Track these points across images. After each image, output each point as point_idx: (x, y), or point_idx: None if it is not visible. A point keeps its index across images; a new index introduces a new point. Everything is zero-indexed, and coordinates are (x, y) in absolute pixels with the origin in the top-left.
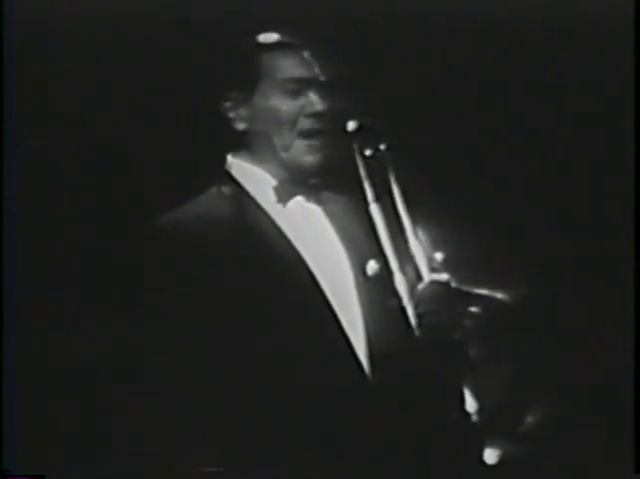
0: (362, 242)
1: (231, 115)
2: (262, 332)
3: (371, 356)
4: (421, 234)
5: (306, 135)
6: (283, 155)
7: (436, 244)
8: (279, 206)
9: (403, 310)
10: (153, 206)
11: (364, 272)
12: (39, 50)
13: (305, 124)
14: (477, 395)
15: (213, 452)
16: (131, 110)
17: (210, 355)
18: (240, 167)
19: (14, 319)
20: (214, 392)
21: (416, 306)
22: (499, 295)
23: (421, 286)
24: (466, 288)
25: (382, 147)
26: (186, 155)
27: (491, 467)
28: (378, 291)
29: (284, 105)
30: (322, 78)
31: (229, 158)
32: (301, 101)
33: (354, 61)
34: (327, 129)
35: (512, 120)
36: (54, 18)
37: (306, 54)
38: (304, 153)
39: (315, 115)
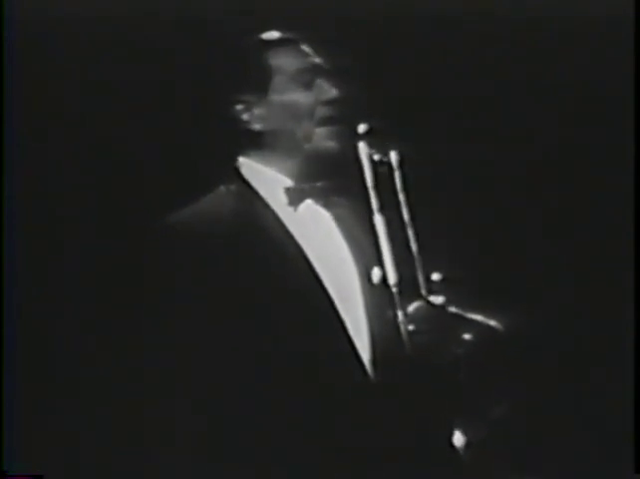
0: (369, 249)
1: (245, 117)
2: (267, 333)
3: (374, 362)
4: (423, 249)
5: (325, 123)
6: (306, 146)
7: (437, 263)
8: (289, 208)
9: (397, 327)
10: (160, 207)
11: (369, 279)
12: (39, 50)
13: (322, 112)
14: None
15: (213, 452)
16: (139, 111)
17: (213, 355)
18: (251, 167)
19: (14, 319)
20: (217, 392)
21: (408, 324)
22: (494, 323)
23: (416, 305)
24: (460, 312)
25: (391, 152)
26: (197, 158)
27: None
28: (382, 298)
29: (300, 97)
30: (329, 67)
31: (240, 159)
32: (315, 90)
33: (357, 61)
34: (343, 118)
35: (513, 121)
36: (54, 18)
37: (311, 49)
38: (325, 140)
39: (330, 102)
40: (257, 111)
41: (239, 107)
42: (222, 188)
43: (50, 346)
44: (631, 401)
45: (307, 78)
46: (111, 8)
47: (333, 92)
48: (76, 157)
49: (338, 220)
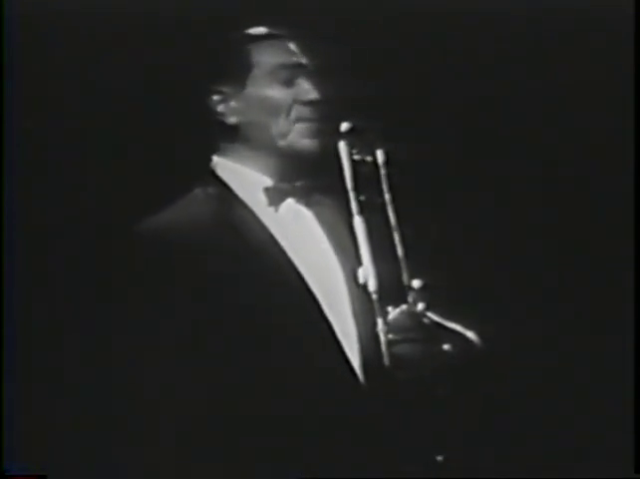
0: (353, 249)
1: (221, 109)
2: (252, 337)
3: (364, 362)
4: (407, 254)
5: (302, 121)
6: (280, 143)
7: (420, 268)
8: (269, 208)
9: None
10: (139, 207)
11: (355, 279)
12: (39, 49)
13: (300, 111)
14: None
15: (211, 454)
16: (115, 108)
17: (198, 359)
18: (227, 167)
19: (14, 319)
20: (206, 395)
21: (387, 333)
22: (471, 335)
23: (396, 313)
24: (442, 321)
25: (378, 152)
26: (173, 154)
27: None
28: (368, 300)
29: (277, 93)
30: (312, 66)
31: (215, 158)
32: (294, 89)
33: (343, 54)
34: (321, 117)
35: (504, 121)
36: (53, 15)
37: (295, 45)
38: (301, 138)
39: (309, 102)
40: (234, 103)
41: (216, 98)
42: (198, 190)
43: (50, 346)
44: (631, 401)
45: (287, 75)
46: (94, 4)
47: (313, 93)
48: (56, 158)
49: (320, 219)
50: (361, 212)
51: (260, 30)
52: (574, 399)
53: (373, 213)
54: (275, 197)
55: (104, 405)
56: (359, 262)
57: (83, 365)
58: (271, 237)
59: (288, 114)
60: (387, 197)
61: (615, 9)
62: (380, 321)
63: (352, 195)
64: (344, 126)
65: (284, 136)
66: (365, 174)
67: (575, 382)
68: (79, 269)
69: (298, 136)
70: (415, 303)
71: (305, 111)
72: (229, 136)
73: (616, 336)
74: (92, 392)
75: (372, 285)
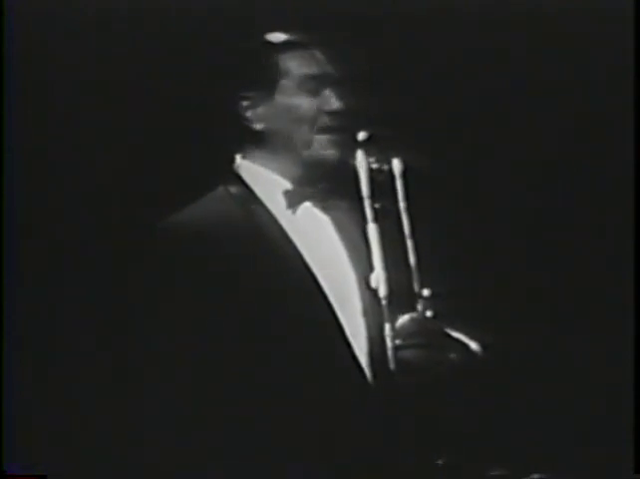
0: (367, 253)
1: (248, 114)
2: (266, 336)
3: (372, 365)
4: (418, 262)
5: (325, 131)
6: (304, 152)
7: (429, 278)
8: (287, 210)
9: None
10: (160, 207)
11: (368, 283)
12: (39, 48)
13: (324, 121)
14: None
15: (213, 454)
16: (142, 109)
17: (212, 358)
18: (250, 168)
19: (14, 319)
20: (215, 393)
21: (394, 338)
22: (474, 346)
23: (404, 319)
24: (448, 331)
25: (393, 160)
26: (198, 155)
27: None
28: (379, 303)
29: (303, 103)
30: (337, 75)
31: (239, 159)
32: (319, 98)
33: (367, 62)
34: (344, 127)
35: (514, 126)
36: (54, 15)
37: (320, 53)
38: (324, 147)
39: (334, 112)
40: (261, 110)
41: (245, 103)
42: (221, 188)
43: (50, 346)
44: (631, 401)
45: (313, 85)
46: (118, 2)
47: (337, 104)
48: (74, 157)
49: (336, 223)
50: (375, 219)
51: (288, 37)
52: (574, 400)
53: (387, 220)
54: (294, 199)
55: (103, 405)
56: (371, 268)
57: (83, 365)
58: (287, 237)
59: (313, 124)
60: (402, 205)
61: (615, 9)
62: (388, 326)
63: (367, 202)
64: (361, 135)
65: (308, 145)
66: (381, 182)
67: (575, 382)
68: (95, 267)
69: (321, 146)
70: (423, 311)
71: (329, 121)
72: (255, 141)
73: (616, 336)
74: (92, 392)
75: (382, 291)
